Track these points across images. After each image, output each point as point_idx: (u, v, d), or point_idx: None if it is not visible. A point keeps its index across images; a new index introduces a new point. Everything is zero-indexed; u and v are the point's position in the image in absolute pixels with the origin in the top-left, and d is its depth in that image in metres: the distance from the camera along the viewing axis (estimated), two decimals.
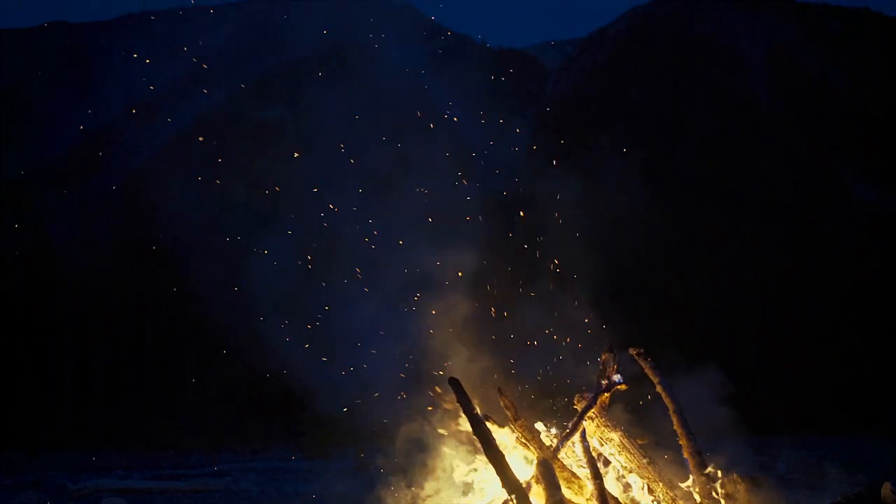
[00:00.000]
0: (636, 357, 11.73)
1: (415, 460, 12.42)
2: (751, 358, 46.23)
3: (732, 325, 50.82)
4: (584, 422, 10.87)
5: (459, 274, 13.96)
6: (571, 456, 10.93)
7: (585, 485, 10.51)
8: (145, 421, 43.11)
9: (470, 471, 11.60)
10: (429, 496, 11.94)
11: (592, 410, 10.92)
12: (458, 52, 69.15)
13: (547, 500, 9.77)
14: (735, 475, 10.92)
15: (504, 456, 9.96)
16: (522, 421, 10.58)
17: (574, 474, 10.66)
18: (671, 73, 74.01)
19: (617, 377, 11.06)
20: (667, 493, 10.83)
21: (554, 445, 10.79)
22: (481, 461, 11.10)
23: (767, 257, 56.51)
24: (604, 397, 11.05)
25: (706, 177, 64.70)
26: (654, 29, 79.00)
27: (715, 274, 54.49)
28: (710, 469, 11.00)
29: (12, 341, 44.07)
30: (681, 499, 10.86)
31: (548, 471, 10.00)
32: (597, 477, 10.34)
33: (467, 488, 11.61)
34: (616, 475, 11.30)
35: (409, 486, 12.28)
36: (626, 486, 11.19)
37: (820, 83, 74.85)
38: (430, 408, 12.01)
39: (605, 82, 74.20)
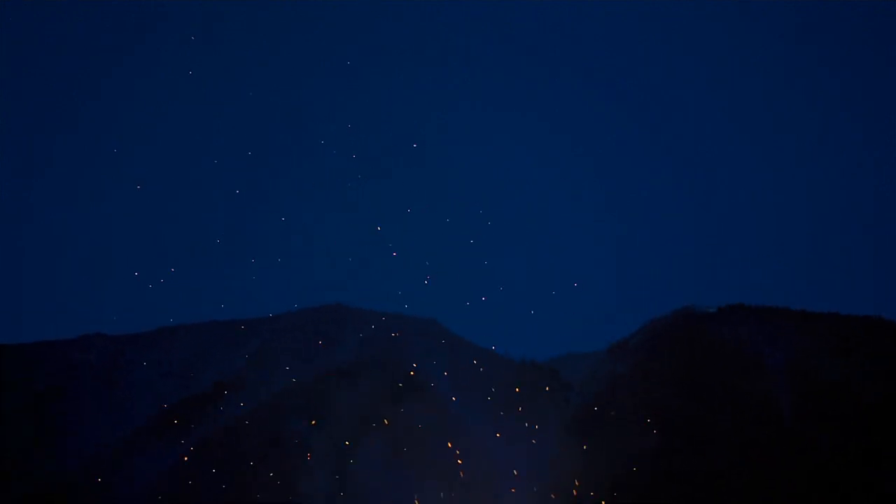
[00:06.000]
0: None
1: None
2: None
3: None
4: None
5: None
6: None
7: None
8: None
9: None
10: None
11: None
12: (481, 364, 70.89)
13: None
14: None
15: None
16: None
17: None
18: (692, 380, 74.68)
19: None
20: None
21: None
22: None
23: None
24: None
25: (733, 482, 63.39)
26: (673, 339, 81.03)
27: None
28: None
29: None
30: None
31: None
32: None
33: None
34: None
35: None
36: None
37: (841, 388, 75.01)
38: None
39: (627, 392, 74.79)
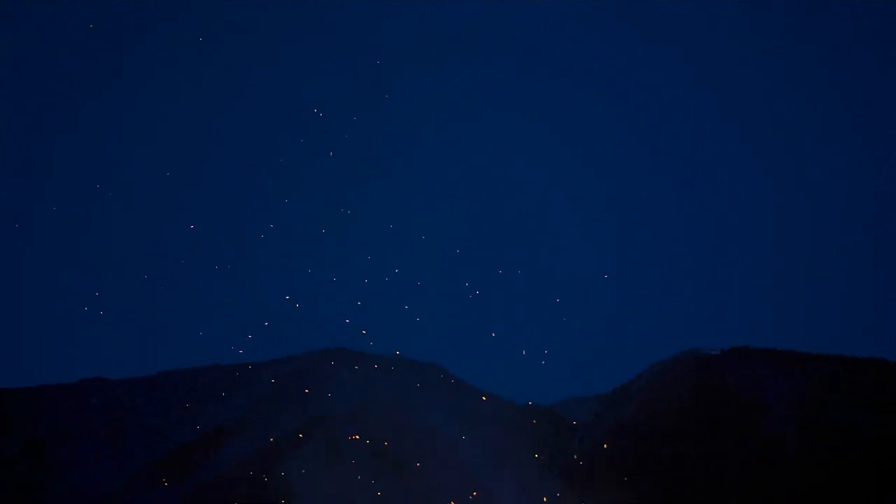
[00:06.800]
0: None
1: None
2: None
3: None
4: None
5: None
6: None
7: None
8: None
9: None
10: None
11: None
12: (484, 408, 70.82)
13: None
14: None
15: None
16: None
17: None
18: (696, 424, 74.38)
19: None
20: None
21: None
22: None
23: None
24: None
25: None
26: (676, 383, 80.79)
27: None
28: None
29: None
30: None
31: None
32: None
33: None
34: None
35: None
36: None
37: (846, 430, 74.73)
38: None
39: (630, 437, 74.47)
